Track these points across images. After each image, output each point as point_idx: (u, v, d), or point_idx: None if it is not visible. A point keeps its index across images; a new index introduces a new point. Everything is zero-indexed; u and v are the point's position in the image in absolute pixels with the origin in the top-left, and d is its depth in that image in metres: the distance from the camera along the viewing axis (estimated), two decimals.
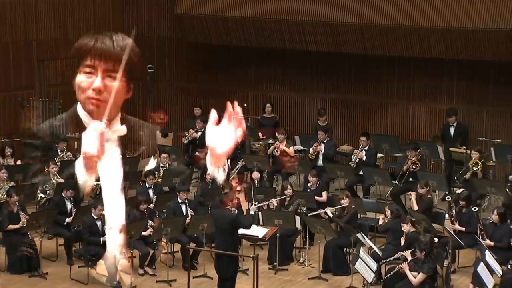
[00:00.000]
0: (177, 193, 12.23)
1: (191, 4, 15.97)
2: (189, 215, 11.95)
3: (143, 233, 11.51)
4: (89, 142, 2.79)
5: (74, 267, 11.66)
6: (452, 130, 14.60)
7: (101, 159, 2.78)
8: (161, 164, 14.03)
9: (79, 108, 2.96)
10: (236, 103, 2.83)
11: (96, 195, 13.13)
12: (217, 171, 2.85)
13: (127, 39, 2.89)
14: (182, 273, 11.35)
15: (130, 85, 2.95)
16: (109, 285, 3.15)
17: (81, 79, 2.87)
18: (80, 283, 11.36)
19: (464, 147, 14.21)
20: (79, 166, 2.86)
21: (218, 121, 2.79)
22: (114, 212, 3.06)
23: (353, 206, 12.00)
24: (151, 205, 12.36)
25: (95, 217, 11.42)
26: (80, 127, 2.99)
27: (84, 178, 2.87)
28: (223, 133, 2.76)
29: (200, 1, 15.88)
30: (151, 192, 12.89)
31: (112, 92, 2.83)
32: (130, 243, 11.21)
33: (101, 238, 11.23)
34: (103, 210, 11.41)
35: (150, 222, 11.68)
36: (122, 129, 2.97)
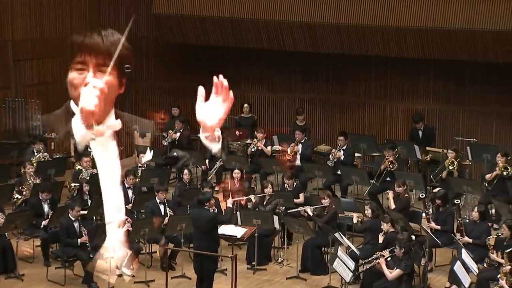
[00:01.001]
0: (156, 193, 12.20)
1: (168, 4, 15.93)
2: (168, 215, 11.93)
3: None
4: (87, 97, 2.77)
5: (51, 268, 11.58)
6: (420, 133, 14.77)
7: (99, 117, 2.76)
8: (139, 165, 13.99)
9: (73, 105, 2.95)
10: (221, 76, 2.87)
11: (73, 196, 13.08)
12: (211, 144, 2.88)
13: (116, 34, 2.90)
14: (160, 274, 11.33)
15: (122, 80, 2.94)
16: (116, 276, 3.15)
17: (73, 75, 2.87)
18: (57, 284, 11.28)
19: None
20: (76, 123, 2.84)
21: (206, 97, 2.85)
22: (112, 206, 3.06)
23: (333, 206, 12.04)
24: (129, 205, 12.32)
25: (73, 219, 11.35)
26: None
27: (81, 133, 2.85)
28: (212, 106, 2.84)
29: (177, 1, 15.85)
30: (130, 192, 12.85)
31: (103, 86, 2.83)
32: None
33: (78, 240, 11.17)
34: (80, 211, 11.44)
35: (129, 221, 11.66)
36: (117, 124, 2.97)
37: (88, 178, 13.01)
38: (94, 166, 13.39)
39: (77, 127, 2.87)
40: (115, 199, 3.06)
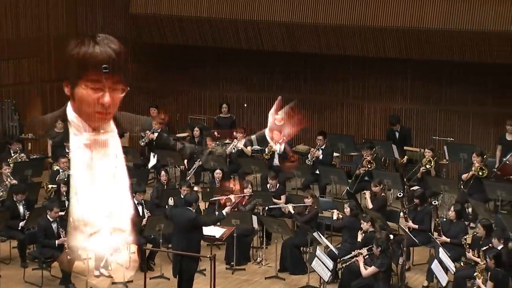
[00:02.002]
0: (133, 194, 12.15)
1: (146, 4, 15.87)
2: (145, 216, 11.89)
3: None
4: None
5: (28, 269, 11.50)
6: (397, 134, 14.85)
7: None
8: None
9: (69, 110, 2.91)
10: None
11: (50, 197, 12.99)
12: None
13: (115, 41, 2.87)
14: (138, 274, 11.28)
15: (123, 84, 2.91)
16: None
17: (87, 93, 2.79)
18: (34, 285, 11.21)
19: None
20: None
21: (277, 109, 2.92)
22: (102, 213, 3.01)
23: (315, 207, 12.07)
24: None
25: (51, 220, 11.28)
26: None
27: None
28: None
29: (155, 1, 15.79)
30: None
31: (117, 102, 2.81)
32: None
33: (56, 241, 11.11)
34: (58, 212, 11.36)
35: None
36: (112, 128, 2.95)
37: (66, 179, 12.92)
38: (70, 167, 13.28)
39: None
40: (109, 205, 3.01)
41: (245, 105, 15.91)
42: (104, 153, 2.96)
